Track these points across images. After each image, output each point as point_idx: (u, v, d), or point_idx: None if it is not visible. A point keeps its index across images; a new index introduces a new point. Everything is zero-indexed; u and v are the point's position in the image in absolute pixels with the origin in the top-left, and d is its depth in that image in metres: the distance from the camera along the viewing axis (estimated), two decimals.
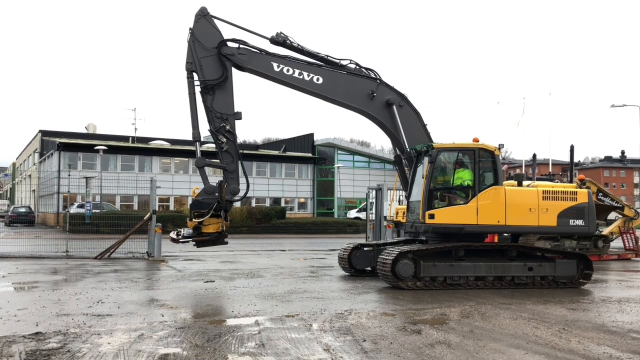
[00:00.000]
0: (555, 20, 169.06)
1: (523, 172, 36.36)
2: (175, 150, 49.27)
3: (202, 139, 11.98)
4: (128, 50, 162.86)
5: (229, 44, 12.11)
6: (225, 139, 11.77)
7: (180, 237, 11.97)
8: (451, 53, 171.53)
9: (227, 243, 12.33)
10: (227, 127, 11.76)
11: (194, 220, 11.57)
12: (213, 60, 11.90)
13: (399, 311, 8.91)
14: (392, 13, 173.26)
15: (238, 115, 11.99)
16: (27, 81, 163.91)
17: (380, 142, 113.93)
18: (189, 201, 47.07)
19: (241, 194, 12.09)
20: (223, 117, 11.78)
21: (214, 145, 12.03)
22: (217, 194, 11.57)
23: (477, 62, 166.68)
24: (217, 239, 11.91)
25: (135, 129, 54.74)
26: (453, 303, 9.67)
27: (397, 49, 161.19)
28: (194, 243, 12.05)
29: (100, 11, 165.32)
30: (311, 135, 57.77)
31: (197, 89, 11.84)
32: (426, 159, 11.76)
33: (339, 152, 57.94)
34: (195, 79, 11.84)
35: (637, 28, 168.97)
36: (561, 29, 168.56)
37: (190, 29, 11.91)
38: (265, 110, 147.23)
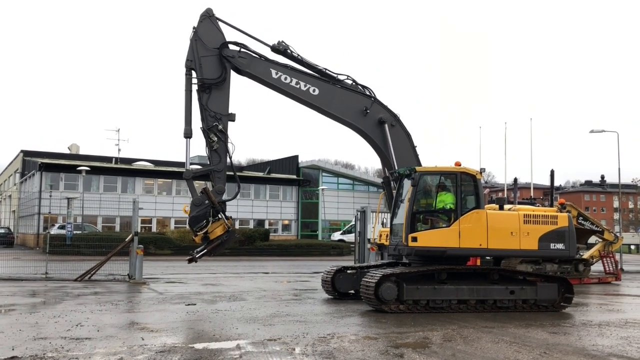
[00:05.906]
0: (536, 48, 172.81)
1: (505, 195, 36.68)
2: (159, 172, 49.01)
3: (192, 136, 12.05)
4: (112, 71, 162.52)
5: (231, 46, 12.42)
6: (216, 138, 11.94)
7: (195, 254, 12.06)
8: (435, 77, 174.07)
9: (239, 236, 12.40)
10: (220, 127, 11.92)
11: (199, 234, 11.65)
12: (213, 61, 12.15)
13: (381, 335, 8.89)
14: (388, 34, 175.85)
15: (232, 117, 12.17)
16: (9, 100, 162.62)
17: (364, 164, 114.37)
18: (172, 223, 47.17)
19: (231, 195, 12.27)
20: (217, 117, 11.96)
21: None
22: (207, 202, 11.64)
23: (460, 86, 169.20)
24: (228, 238, 12.00)
25: (119, 150, 54.39)
26: (435, 326, 9.68)
27: (385, 69, 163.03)
28: (210, 253, 12.10)
29: (83, 31, 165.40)
30: (296, 157, 57.87)
31: (194, 88, 12.02)
32: (409, 182, 11.87)
33: (324, 174, 58.05)
34: (193, 76, 12.04)
35: (615, 55, 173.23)
36: (542, 56, 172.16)
37: (194, 27, 12.18)
38: (250, 132, 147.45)
